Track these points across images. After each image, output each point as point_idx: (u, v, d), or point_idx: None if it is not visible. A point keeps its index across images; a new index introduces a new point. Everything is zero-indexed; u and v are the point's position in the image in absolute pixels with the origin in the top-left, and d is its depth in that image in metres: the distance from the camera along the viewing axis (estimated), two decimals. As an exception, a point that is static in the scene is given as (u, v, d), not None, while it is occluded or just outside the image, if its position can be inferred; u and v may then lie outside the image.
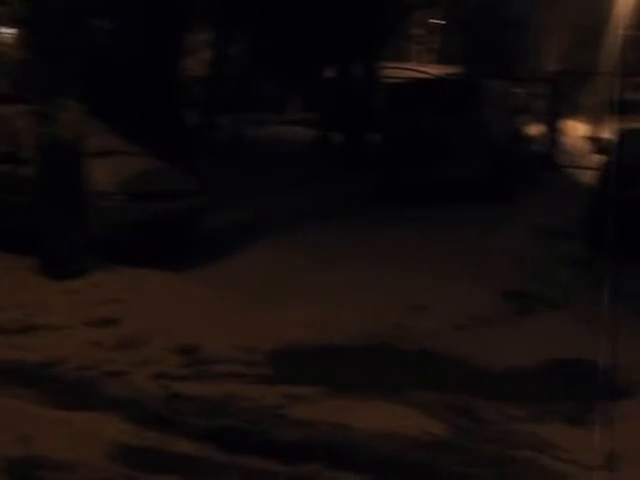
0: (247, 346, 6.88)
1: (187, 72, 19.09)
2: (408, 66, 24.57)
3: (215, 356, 6.72)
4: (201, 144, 16.15)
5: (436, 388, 6.13)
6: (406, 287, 8.62)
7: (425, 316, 7.81)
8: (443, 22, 32.06)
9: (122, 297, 7.86)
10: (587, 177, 14.58)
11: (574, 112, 27.25)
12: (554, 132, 19.33)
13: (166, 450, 5.10)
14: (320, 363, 6.66)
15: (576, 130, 22.33)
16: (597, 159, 13.41)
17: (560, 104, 20.35)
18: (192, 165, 11.66)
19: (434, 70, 24.49)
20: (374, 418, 5.54)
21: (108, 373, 6.31)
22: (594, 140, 17.84)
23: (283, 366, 6.56)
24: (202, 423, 5.48)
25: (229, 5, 19.87)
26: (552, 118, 19.33)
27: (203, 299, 7.99)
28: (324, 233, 11.07)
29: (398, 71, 21.19)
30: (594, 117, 29.52)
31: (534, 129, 20.28)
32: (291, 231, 11.03)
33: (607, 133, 18.09)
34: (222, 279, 8.78)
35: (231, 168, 14.47)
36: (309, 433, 5.36)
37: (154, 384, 6.13)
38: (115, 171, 9.50)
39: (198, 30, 21.67)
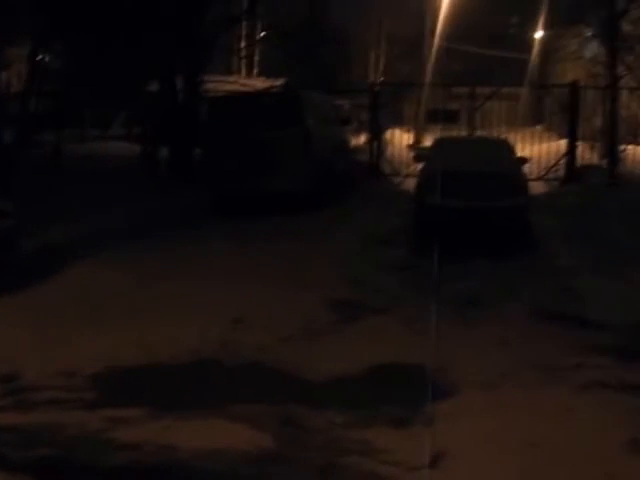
0: (68, 371, 6.65)
1: (3, 87, 18.35)
2: (231, 79, 24.60)
3: (35, 384, 6.46)
4: (17, 162, 15.54)
5: (264, 401, 6.11)
6: (231, 301, 8.57)
7: (251, 330, 7.78)
8: (264, 34, 32.33)
9: None
10: (410, 185, 15.01)
11: (398, 122, 28.12)
12: (378, 142, 19.76)
13: (-20, 486, 4.86)
14: (145, 384, 6.51)
15: (401, 139, 22.93)
16: (416, 167, 13.88)
17: (383, 114, 20.84)
18: (6, 184, 11.19)
19: (258, 83, 24.66)
20: (201, 436, 5.47)
21: None
22: (413, 148, 18.45)
23: (106, 389, 6.38)
24: (20, 454, 5.26)
25: (48, 18, 19.28)
26: (376, 128, 19.76)
27: (19, 325, 7.68)
28: (146, 250, 10.86)
29: (221, 84, 21.16)
30: (416, 126, 30.65)
31: (359, 139, 20.77)
32: (111, 250, 10.77)
33: (425, 141, 18.78)
34: (39, 303, 8.48)
35: (50, 186, 13.98)
36: (134, 456, 5.23)
37: (-31, 417, 5.82)
38: None
39: (15, 43, 20.92)
